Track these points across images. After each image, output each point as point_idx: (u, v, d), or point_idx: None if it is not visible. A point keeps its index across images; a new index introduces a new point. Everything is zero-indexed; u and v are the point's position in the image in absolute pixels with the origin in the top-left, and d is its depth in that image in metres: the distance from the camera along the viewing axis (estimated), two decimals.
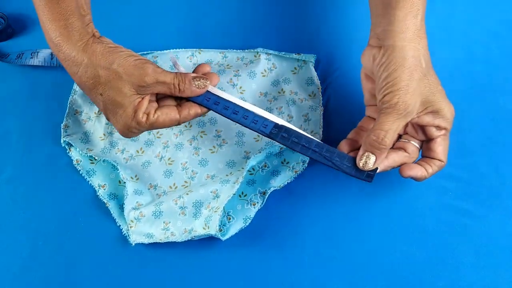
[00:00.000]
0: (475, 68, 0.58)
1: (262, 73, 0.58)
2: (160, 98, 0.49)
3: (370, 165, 0.46)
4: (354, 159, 0.47)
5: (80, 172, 0.54)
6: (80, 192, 0.54)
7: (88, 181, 0.54)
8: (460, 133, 0.55)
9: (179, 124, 0.49)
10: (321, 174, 0.53)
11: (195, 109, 0.48)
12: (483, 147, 0.54)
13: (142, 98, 0.46)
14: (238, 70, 0.58)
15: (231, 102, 0.49)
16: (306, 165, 0.53)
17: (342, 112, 0.57)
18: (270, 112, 0.55)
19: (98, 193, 0.53)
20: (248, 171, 0.52)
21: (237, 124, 0.56)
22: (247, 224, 0.50)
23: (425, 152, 0.48)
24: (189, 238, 0.49)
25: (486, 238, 0.50)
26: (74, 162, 0.55)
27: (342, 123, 0.56)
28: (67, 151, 0.55)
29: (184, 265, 0.50)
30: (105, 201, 0.52)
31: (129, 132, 0.48)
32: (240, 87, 0.58)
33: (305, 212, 0.52)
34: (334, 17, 0.63)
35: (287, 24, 0.63)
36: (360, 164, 0.46)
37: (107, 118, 0.48)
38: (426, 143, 0.48)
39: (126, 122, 0.46)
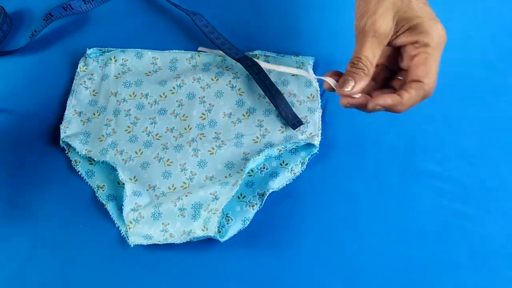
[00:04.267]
0: (473, 72, 0.58)
1: None
2: None
3: (349, 88, 0.44)
4: (295, 114, 0.54)
5: (79, 173, 0.54)
6: (79, 193, 0.53)
7: (87, 182, 0.54)
8: (459, 135, 0.55)
9: None
10: (319, 176, 0.53)
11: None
12: (482, 149, 0.55)
13: None
14: (237, 73, 0.59)
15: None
16: (305, 167, 0.53)
17: (340, 114, 0.57)
18: (268, 114, 0.56)
19: (97, 194, 0.53)
20: (247, 173, 0.52)
21: (236, 126, 0.56)
22: (246, 225, 0.50)
23: (405, 77, 0.44)
24: (188, 240, 0.49)
25: (484, 241, 0.50)
26: (73, 163, 0.55)
27: (340, 125, 0.56)
28: (66, 152, 0.55)
29: (182, 266, 0.50)
30: (104, 203, 0.52)
31: None
32: (239, 89, 0.58)
33: (303, 213, 0.52)
34: (333, 19, 0.63)
35: (286, 26, 0.63)
36: (340, 87, 0.44)
37: None
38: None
39: None
